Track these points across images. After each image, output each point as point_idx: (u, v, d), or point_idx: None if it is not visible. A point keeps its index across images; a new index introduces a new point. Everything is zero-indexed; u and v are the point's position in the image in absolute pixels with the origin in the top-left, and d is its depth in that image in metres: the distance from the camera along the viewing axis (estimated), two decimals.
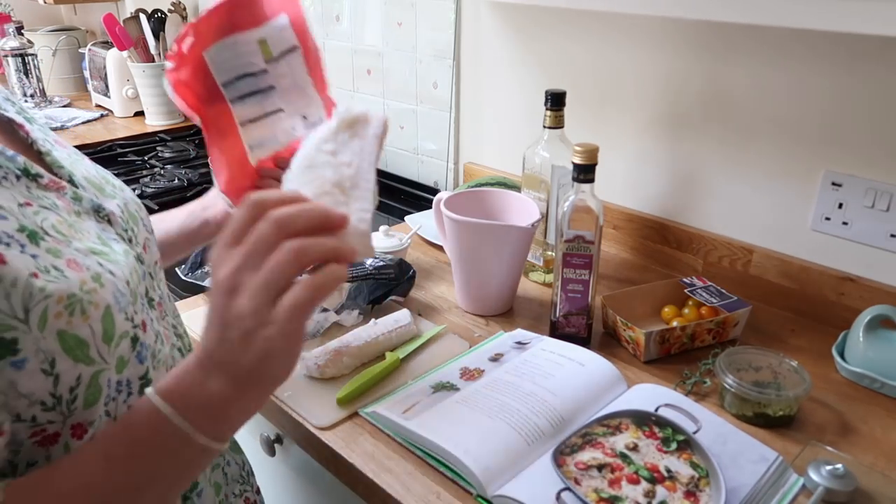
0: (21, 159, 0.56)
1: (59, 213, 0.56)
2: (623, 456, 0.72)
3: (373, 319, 0.98)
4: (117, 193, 0.66)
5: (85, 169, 0.65)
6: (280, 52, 0.81)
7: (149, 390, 0.51)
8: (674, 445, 0.74)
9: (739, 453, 0.75)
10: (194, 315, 1.05)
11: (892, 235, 0.97)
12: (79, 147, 2.10)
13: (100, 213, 0.61)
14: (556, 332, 0.98)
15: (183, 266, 1.15)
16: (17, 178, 0.55)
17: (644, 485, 0.69)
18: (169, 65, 0.77)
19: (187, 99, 0.78)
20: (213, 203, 0.90)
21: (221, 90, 0.80)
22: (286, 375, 0.52)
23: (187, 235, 0.91)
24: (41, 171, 0.57)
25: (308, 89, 0.84)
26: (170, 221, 0.90)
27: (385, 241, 1.16)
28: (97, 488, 0.50)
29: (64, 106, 2.46)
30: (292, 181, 0.57)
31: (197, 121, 0.80)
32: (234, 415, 0.52)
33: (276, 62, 0.81)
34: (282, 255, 0.48)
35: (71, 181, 0.61)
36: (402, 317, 0.99)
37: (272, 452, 0.96)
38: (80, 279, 0.52)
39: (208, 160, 0.81)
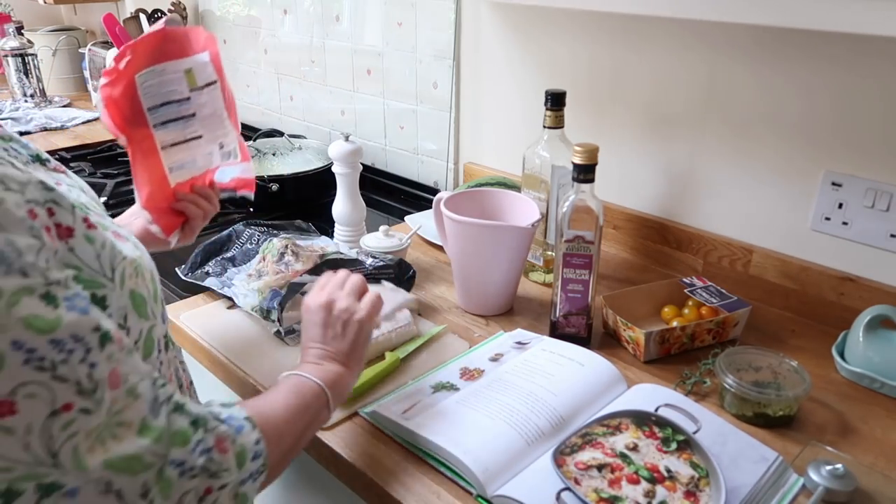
0: (33, 146, 0.59)
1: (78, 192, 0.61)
2: (623, 456, 0.72)
3: None
4: (82, 183, 0.70)
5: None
6: (203, 82, 0.91)
7: (303, 374, 0.73)
8: (674, 445, 0.74)
9: (739, 453, 0.75)
10: (194, 315, 1.06)
11: (892, 235, 0.97)
12: (79, 147, 2.12)
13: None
14: (556, 332, 0.98)
15: (183, 266, 1.15)
16: (32, 162, 0.58)
17: (644, 485, 0.69)
18: (104, 80, 0.83)
19: (115, 118, 0.84)
20: (128, 222, 0.94)
21: (146, 115, 0.86)
22: (367, 346, 0.80)
23: None
24: (48, 156, 0.60)
25: (225, 121, 0.95)
26: None
27: (385, 241, 1.16)
28: (280, 418, 0.67)
29: (64, 106, 2.46)
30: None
31: (122, 140, 0.86)
32: (345, 386, 0.76)
33: (199, 91, 0.91)
34: (355, 277, 0.83)
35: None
36: (402, 317, 0.99)
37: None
38: (129, 247, 0.60)
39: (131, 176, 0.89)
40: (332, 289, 0.81)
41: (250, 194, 1.02)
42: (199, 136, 0.92)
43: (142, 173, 0.88)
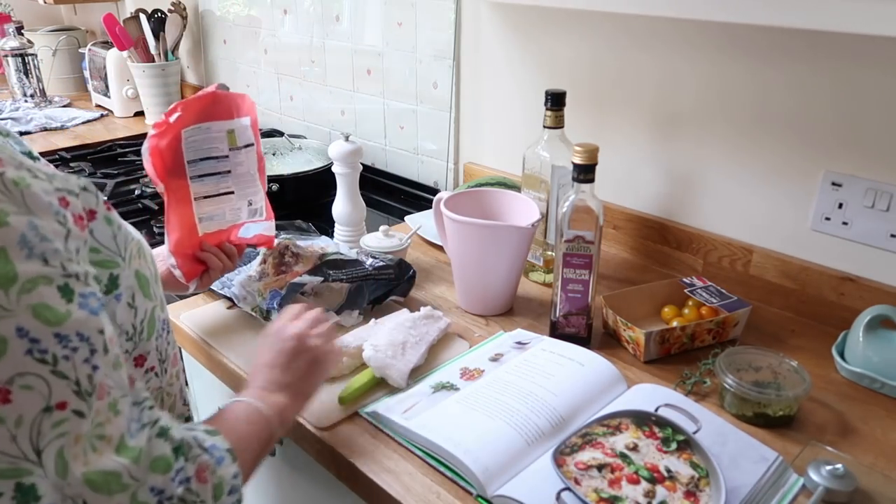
0: (25, 142, 0.59)
1: None
2: (623, 456, 0.72)
3: (373, 319, 0.98)
4: None
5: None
6: (242, 143, 0.98)
7: (256, 402, 0.71)
8: (674, 445, 0.74)
9: (739, 453, 0.75)
10: (194, 315, 1.06)
11: (892, 235, 0.97)
12: (79, 147, 2.11)
13: None
14: (556, 332, 0.98)
15: None
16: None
17: (644, 485, 0.69)
18: (153, 131, 0.89)
19: (157, 167, 0.90)
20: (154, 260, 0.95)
21: (186, 167, 0.93)
22: (319, 386, 0.79)
23: None
24: (38, 155, 0.61)
25: (256, 180, 1.02)
26: None
27: (385, 241, 1.16)
28: (235, 436, 0.66)
29: (64, 106, 2.46)
30: (381, 331, 0.93)
31: (161, 188, 0.92)
32: (290, 419, 0.75)
33: (237, 151, 0.98)
34: (329, 324, 0.83)
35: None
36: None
37: (272, 452, 0.96)
38: (132, 230, 0.63)
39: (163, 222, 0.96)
40: (306, 323, 0.80)
41: (265, 249, 1.09)
42: (231, 192, 0.99)
43: (174, 220, 0.94)
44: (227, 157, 0.97)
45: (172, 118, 0.90)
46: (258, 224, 1.05)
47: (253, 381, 0.75)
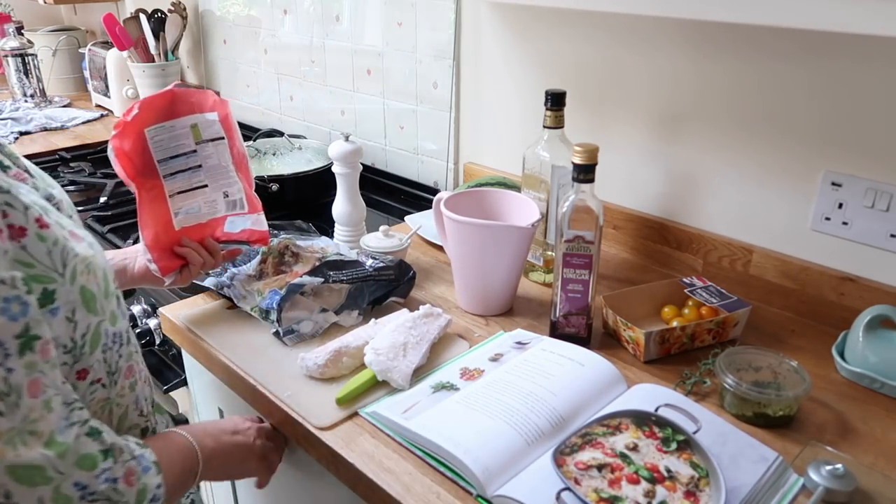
0: (5, 141, 0.61)
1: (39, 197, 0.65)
2: (623, 456, 0.72)
3: (373, 319, 0.98)
4: (54, 184, 0.74)
5: (27, 161, 0.72)
6: (208, 137, 0.98)
7: (188, 435, 0.78)
8: (674, 445, 0.74)
9: (739, 453, 0.75)
10: (194, 315, 1.06)
11: (892, 235, 0.97)
12: (79, 147, 2.11)
13: (51, 201, 0.69)
14: (556, 332, 0.98)
15: None
16: None
17: (644, 485, 0.69)
18: (114, 132, 0.90)
19: (126, 168, 0.91)
20: (133, 257, 0.99)
21: (156, 166, 0.94)
22: (238, 474, 0.89)
23: None
24: (10, 162, 0.64)
25: (231, 173, 1.00)
26: None
27: (385, 241, 1.16)
28: (165, 456, 0.72)
29: (64, 106, 2.46)
30: (381, 334, 0.93)
31: (132, 188, 0.92)
32: (209, 470, 0.81)
33: (204, 144, 0.97)
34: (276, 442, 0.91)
35: (27, 171, 0.69)
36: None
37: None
38: (83, 246, 0.64)
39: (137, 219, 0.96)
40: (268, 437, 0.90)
41: (264, 248, 1.08)
42: (205, 186, 0.99)
43: (148, 217, 0.94)
44: (194, 151, 0.96)
45: (130, 116, 0.90)
46: (244, 218, 1.04)
47: (203, 426, 0.83)
